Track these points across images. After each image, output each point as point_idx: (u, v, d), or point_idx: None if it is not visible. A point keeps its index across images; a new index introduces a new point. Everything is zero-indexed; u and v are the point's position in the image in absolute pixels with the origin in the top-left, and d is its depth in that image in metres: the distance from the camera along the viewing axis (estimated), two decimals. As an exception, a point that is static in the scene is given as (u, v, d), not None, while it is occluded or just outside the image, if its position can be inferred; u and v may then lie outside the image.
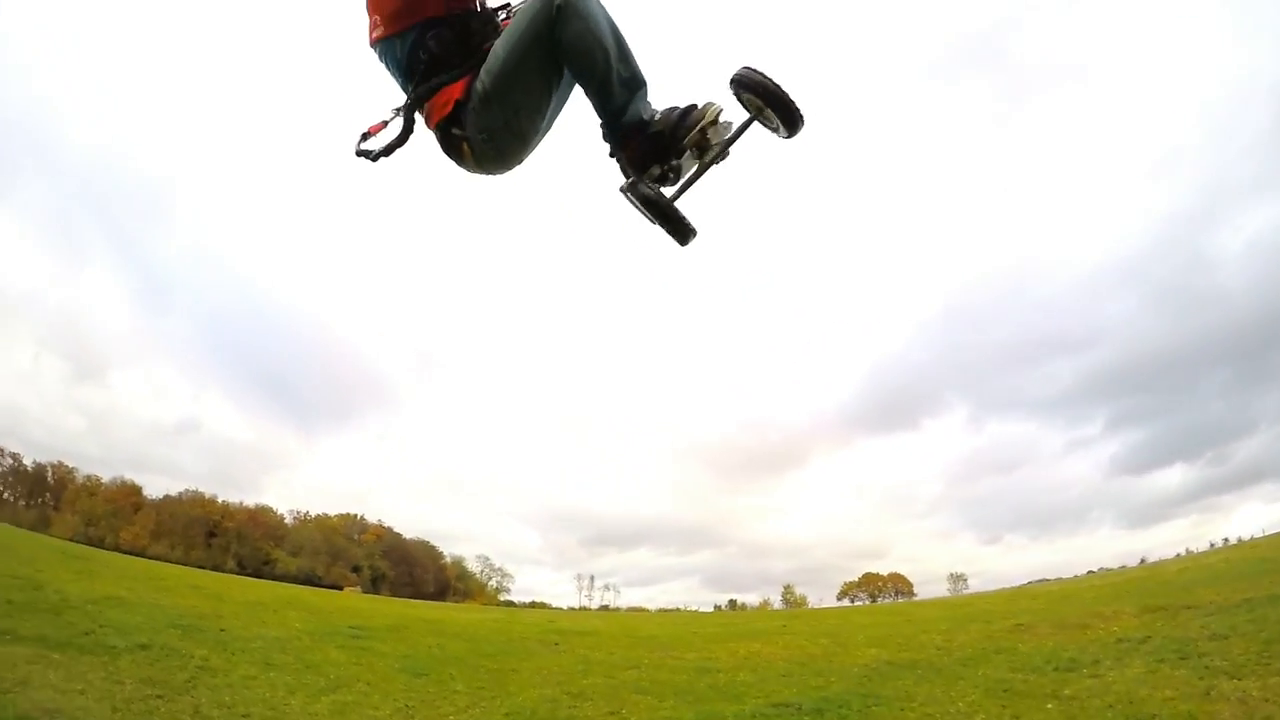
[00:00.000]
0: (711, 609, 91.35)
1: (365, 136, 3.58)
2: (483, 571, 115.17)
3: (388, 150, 3.56)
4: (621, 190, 3.29)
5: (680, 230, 3.25)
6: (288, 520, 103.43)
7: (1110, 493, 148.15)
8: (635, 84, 3.22)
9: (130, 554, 60.55)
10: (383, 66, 3.56)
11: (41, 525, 77.61)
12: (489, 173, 3.55)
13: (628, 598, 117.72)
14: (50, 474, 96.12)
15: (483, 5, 3.52)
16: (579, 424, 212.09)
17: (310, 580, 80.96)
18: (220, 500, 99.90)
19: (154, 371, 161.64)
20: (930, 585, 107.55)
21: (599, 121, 3.26)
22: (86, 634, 9.72)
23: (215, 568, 71.31)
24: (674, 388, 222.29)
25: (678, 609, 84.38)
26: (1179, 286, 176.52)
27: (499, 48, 3.20)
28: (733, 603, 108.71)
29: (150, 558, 58.28)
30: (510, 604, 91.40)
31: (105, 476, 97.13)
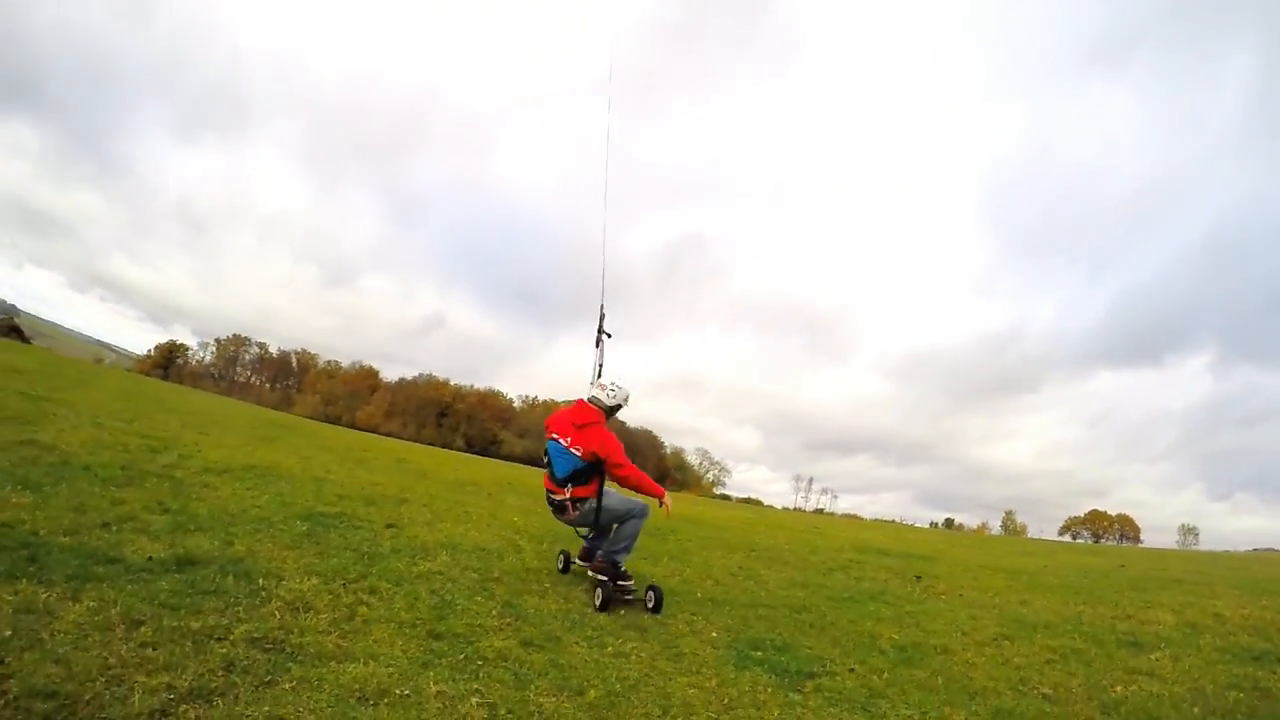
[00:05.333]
0: (927, 525, 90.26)
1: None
2: (701, 464, 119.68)
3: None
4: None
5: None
6: (516, 405, 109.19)
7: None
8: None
9: (365, 431, 67.11)
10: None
11: (285, 405, 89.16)
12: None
13: (843, 504, 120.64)
14: (295, 360, 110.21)
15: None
16: (818, 326, 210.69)
17: (535, 462, 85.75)
18: (453, 384, 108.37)
19: (404, 276, 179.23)
20: (1154, 535, 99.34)
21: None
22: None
23: (444, 446, 75.50)
24: (916, 291, 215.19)
25: (893, 520, 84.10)
26: None
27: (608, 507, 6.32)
28: (949, 521, 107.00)
29: (383, 435, 65.40)
30: (726, 498, 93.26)
31: (345, 362, 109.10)
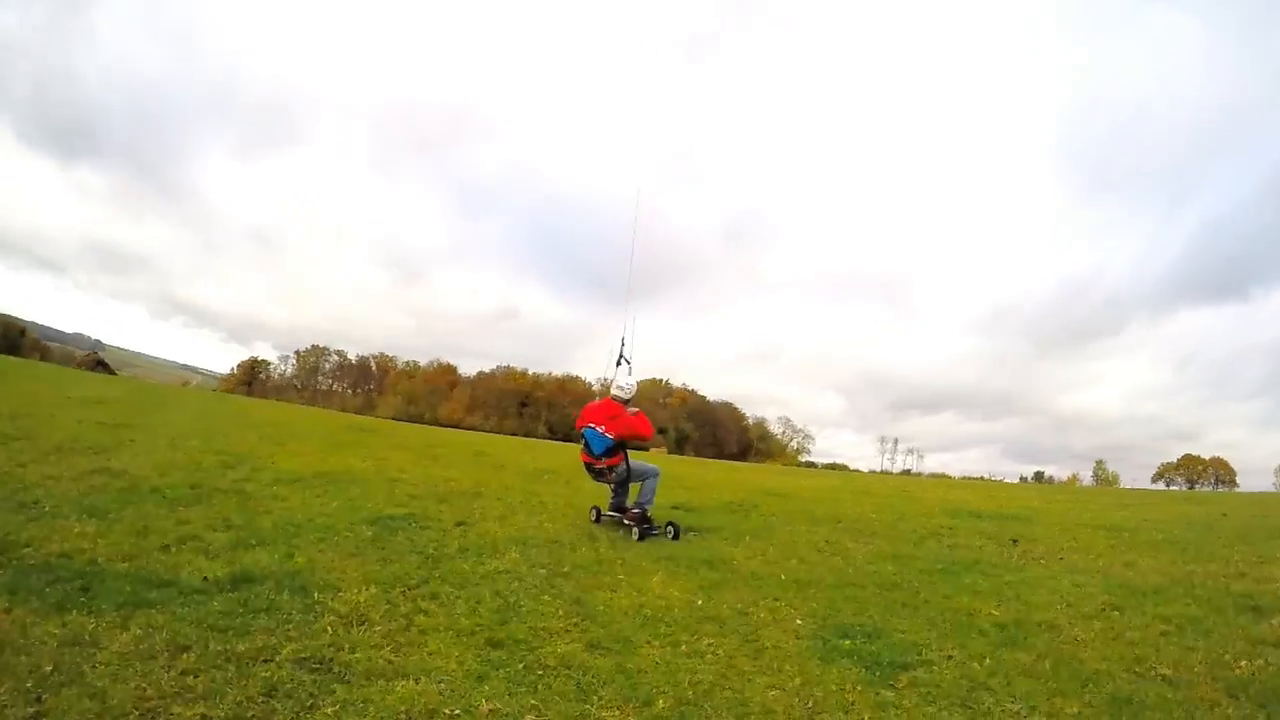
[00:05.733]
0: (1016, 480, 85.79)
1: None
2: (784, 433, 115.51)
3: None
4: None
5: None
6: (595, 389, 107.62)
7: None
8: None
9: (448, 427, 68.39)
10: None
11: (367, 409, 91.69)
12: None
13: (930, 463, 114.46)
14: (374, 364, 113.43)
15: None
16: (893, 283, 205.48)
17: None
18: (531, 373, 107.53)
19: (475, 269, 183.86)
20: (1251, 477, 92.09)
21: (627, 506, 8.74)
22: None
23: (527, 435, 74.28)
24: (993, 240, 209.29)
25: (981, 477, 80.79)
26: None
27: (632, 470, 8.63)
28: (1040, 475, 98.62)
29: (465, 429, 66.66)
30: (811, 465, 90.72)
31: (423, 361, 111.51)
